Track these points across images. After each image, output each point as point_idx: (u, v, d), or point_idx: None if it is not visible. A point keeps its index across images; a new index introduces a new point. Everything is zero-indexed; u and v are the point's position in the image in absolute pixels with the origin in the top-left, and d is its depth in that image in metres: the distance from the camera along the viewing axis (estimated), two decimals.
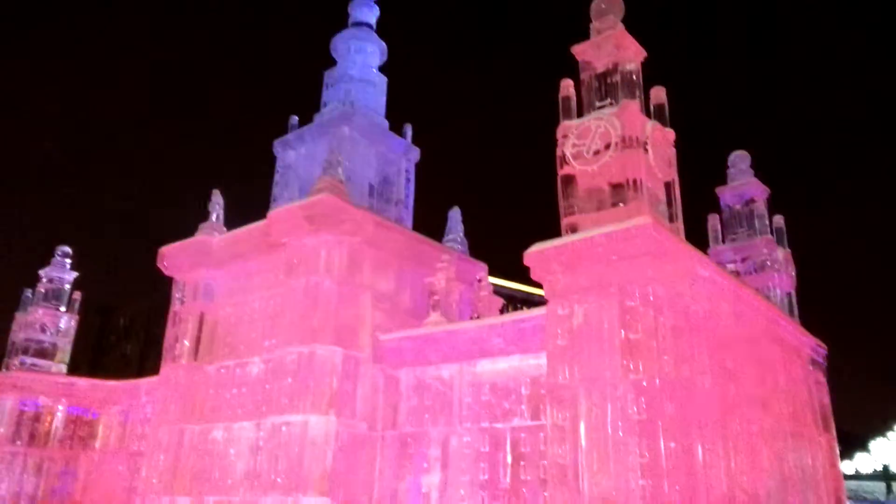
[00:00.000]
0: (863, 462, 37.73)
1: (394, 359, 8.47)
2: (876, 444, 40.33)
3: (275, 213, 8.70)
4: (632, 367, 4.85)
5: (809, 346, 7.48)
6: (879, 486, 31.89)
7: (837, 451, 7.48)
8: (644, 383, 4.76)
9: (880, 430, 39.90)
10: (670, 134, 5.94)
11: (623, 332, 4.94)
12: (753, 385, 6.01)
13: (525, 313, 7.38)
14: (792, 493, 6.09)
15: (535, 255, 5.63)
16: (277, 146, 10.85)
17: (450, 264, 8.96)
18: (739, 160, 8.68)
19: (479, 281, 9.49)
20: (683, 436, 4.82)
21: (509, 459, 7.33)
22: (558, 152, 5.93)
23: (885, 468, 37.79)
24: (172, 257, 9.98)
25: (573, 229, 5.61)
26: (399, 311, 8.99)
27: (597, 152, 5.59)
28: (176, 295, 9.99)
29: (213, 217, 10.16)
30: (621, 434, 4.80)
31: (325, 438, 7.70)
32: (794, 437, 6.45)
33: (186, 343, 9.32)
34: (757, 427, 5.83)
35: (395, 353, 8.46)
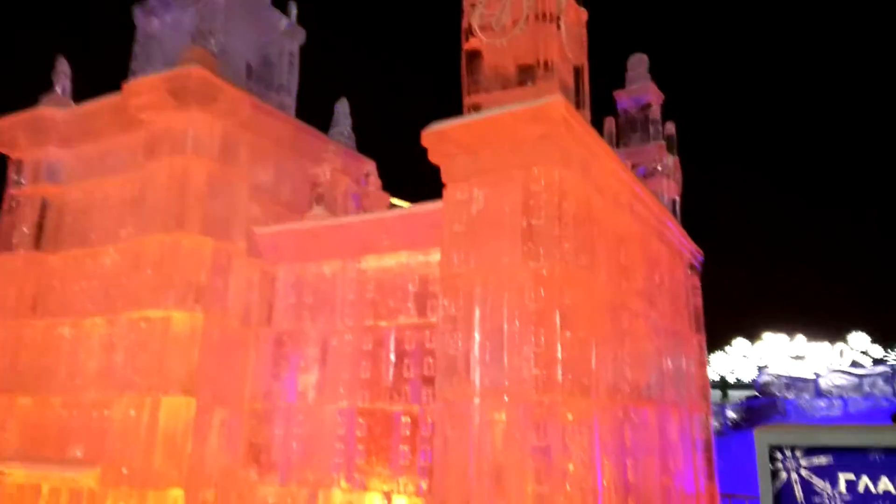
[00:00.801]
0: None
1: (271, 254, 7.82)
2: (715, 357, 44.81)
3: (132, 84, 7.55)
4: (532, 254, 4.54)
5: (689, 250, 7.63)
6: (716, 393, 35.49)
7: (706, 353, 7.80)
8: (543, 272, 4.49)
9: (719, 345, 44.28)
10: (584, 14, 5.57)
11: (525, 218, 4.61)
12: (642, 281, 5.98)
13: (415, 208, 6.95)
14: (668, 388, 6.24)
15: (434, 135, 5.16)
16: (138, 12, 9.43)
17: (336, 156, 8.31)
18: (637, 63, 8.55)
19: (367, 177, 8.92)
20: (578, 326, 4.64)
21: (392, 358, 7.06)
22: (464, 23, 5.39)
23: (723, 378, 42.29)
24: (7, 132, 8.58)
25: (476, 108, 5.18)
26: (278, 204, 8.27)
27: (507, 25, 5.12)
28: (13, 176, 8.66)
29: (59, 89, 8.79)
30: (517, 323, 4.55)
31: (190, 336, 7.02)
32: (673, 334, 6.58)
33: (25, 230, 8.14)
34: (643, 322, 5.84)
35: (273, 248, 7.81)
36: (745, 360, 45.24)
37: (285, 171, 8.38)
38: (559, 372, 4.44)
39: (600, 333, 4.92)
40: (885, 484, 2.92)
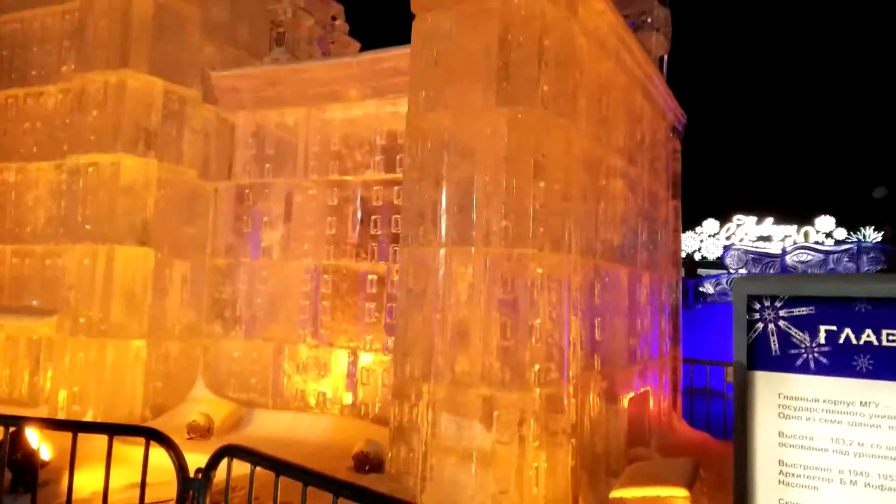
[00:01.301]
0: None
1: (229, 100, 7.24)
2: (685, 236, 45.49)
3: None
4: (506, 96, 4.11)
5: (673, 112, 7.21)
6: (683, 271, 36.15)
7: (680, 219, 7.58)
8: (519, 116, 4.07)
9: (690, 225, 44.84)
10: None
11: (501, 56, 4.13)
12: (623, 138, 5.60)
13: (384, 51, 6.35)
14: (641, 250, 6.04)
15: None
16: None
17: None
18: None
19: (334, 20, 8.18)
20: (554, 178, 4.30)
21: (359, 214, 6.75)
22: None
23: (690, 255, 43.17)
24: None
25: None
26: (236, 46, 7.56)
27: None
28: None
29: None
30: (488, 171, 4.20)
31: (144, 184, 6.60)
32: (650, 196, 6.31)
33: None
34: (621, 181, 5.52)
35: (231, 93, 7.21)
36: (713, 239, 45.98)
37: (242, 8, 7.61)
38: (531, 224, 4.15)
39: (576, 188, 4.60)
40: (867, 335, 2.71)
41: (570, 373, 4.50)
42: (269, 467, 3.09)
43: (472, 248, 4.21)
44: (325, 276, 6.76)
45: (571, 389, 4.53)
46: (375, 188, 6.59)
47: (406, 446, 4.32)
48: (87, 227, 6.52)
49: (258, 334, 6.96)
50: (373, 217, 6.61)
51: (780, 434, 2.97)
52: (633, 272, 5.91)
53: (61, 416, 6.30)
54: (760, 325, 2.98)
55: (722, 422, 8.04)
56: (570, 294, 4.57)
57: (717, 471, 5.70)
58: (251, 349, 6.98)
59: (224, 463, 3.35)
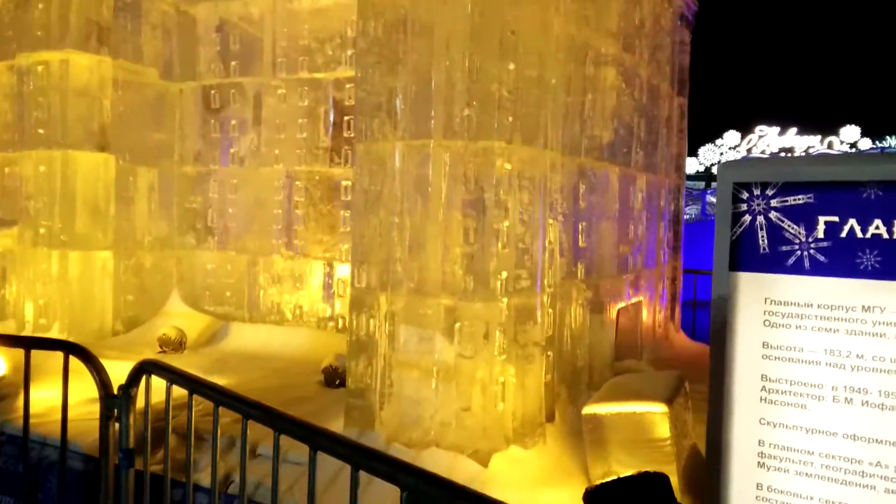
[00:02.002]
0: (690, 165, 41.47)
1: None
2: (704, 149, 44.21)
3: None
4: None
5: None
6: (701, 184, 35.36)
7: (686, 119, 6.93)
8: None
9: (710, 137, 43.45)
10: None
11: None
12: (617, 20, 4.93)
13: None
14: (637, 150, 5.47)
15: None
16: None
17: None
18: None
19: None
20: (527, 62, 3.74)
21: (332, 116, 6.21)
22: None
23: (708, 169, 42.05)
24: None
25: None
26: None
27: None
28: None
29: None
30: (450, 52, 3.62)
31: (99, 84, 6.07)
32: (650, 91, 5.67)
33: None
34: (614, 70, 4.89)
35: None
36: (734, 152, 44.63)
37: None
38: (496, 113, 3.60)
39: (556, 75, 4.01)
40: (876, 227, 2.20)
41: (545, 281, 4.07)
42: (184, 385, 2.73)
43: (431, 142, 3.69)
44: (298, 182, 6.31)
45: (547, 299, 4.11)
46: (348, 86, 6.01)
47: (365, 361, 3.96)
48: (41, 131, 6.07)
49: (232, 246, 6.60)
50: (346, 118, 6.07)
51: (765, 345, 2.51)
52: (627, 174, 5.36)
53: (27, 330, 6.05)
54: (748, 217, 2.47)
55: None
56: (548, 195, 4.07)
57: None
58: (225, 261, 6.63)
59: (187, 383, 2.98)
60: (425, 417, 3.75)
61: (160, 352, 5.97)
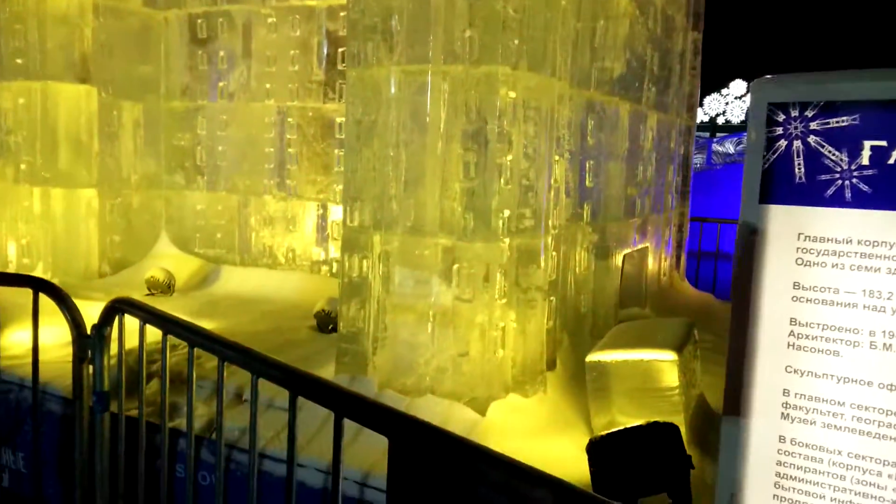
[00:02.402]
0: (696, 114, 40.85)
1: None
2: (710, 99, 43.36)
3: None
4: None
5: None
6: (706, 133, 34.77)
7: (700, 56, 6.56)
8: None
9: (715, 87, 42.57)
10: None
11: None
12: None
13: None
14: (648, 85, 5.14)
15: None
16: None
17: None
18: None
19: None
20: None
21: (326, 48, 5.85)
22: None
23: (713, 119, 41.39)
24: None
25: None
26: None
27: None
28: None
29: None
30: None
31: (78, 11, 5.66)
32: (665, 20, 5.30)
33: None
34: (628, 2, 4.53)
35: None
36: (739, 102, 43.81)
37: None
38: (501, 34, 3.29)
39: (563, 4, 3.66)
40: None
41: (550, 222, 3.81)
42: (157, 325, 2.50)
43: (430, 67, 3.38)
44: (290, 119, 5.99)
45: (551, 241, 3.86)
46: (342, 14, 5.62)
47: (357, 304, 3.75)
48: (19, 61, 5.71)
49: (222, 186, 6.33)
50: (340, 50, 5.71)
51: (796, 285, 2.25)
52: (637, 111, 5.05)
53: (11, 269, 5.83)
54: (783, 142, 2.19)
55: (729, 286, 7.45)
56: (554, 129, 3.78)
57: (718, 333, 5.16)
58: (215, 202, 6.37)
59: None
60: (420, 363, 3.56)
61: (148, 294, 5.77)
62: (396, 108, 3.50)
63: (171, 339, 2.67)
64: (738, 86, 42.47)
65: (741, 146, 14.63)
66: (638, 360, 3.37)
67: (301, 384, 2.15)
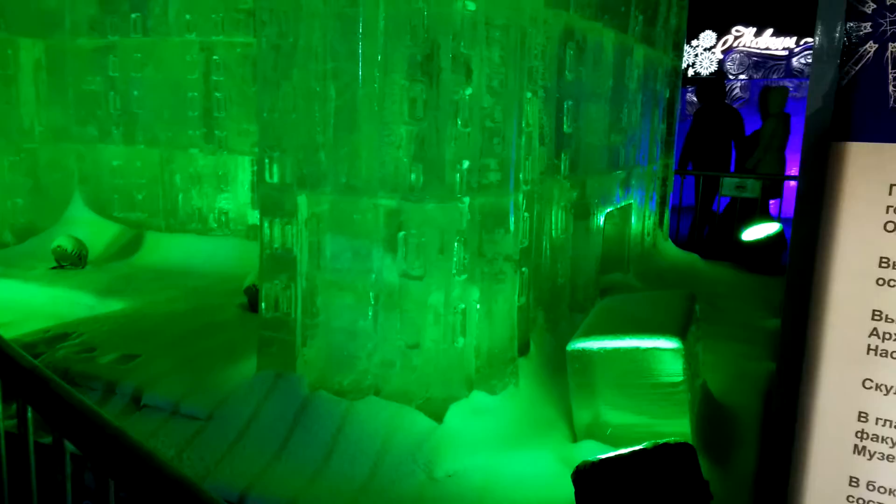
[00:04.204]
0: None
1: None
2: None
3: None
4: None
5: None
6: None
7: None
8: None
9: (686, 38, 41.74)
10: None
11: None
12: None
13: None
14: (635, 11, 4.33)
15: None
16: None
17: None
18: None
19: None
20: None
21: None
22: None
23: (682, 72, 40.70)
24: None
25: None
26: None
27: None
28: None
29: None
30: None
31: None
32: None
33: None
34: None
35: None
36: (709, 53, 42.95)
37: None
38: None
39: None
40: None
41: (521, 175, 3.08)
42: None
43: None
44: (216, 57, 5.07)
45: (522, 200, 3.13)
46: None
47: (282, 282, 3.00)
48: None
49: (141, 138, 5.42)
50: None
51: (884, 262, 1.51)
52: (623, 43, 4.25)
53: None
54: (871, 47, 1.40)
55: (711, 244, 6.89)
56: (526, 57, 2.98)
57: (707, 300, 4.54)
58: (134, 157, 5.46)
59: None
60: (361, 357, 2.86)
61: (56, 267, 4.91)
62: (321, 28, 2.68)
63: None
64: (708, 37, 41.67)
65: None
66: (632, 349, 2.68)
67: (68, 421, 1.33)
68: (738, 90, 14.51)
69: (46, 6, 5.39)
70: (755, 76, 15.37)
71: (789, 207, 7.25)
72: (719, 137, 7.18)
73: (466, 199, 2.70)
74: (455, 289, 2.73)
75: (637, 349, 2.66)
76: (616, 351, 2.69)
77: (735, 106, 9.84)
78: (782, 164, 7.17)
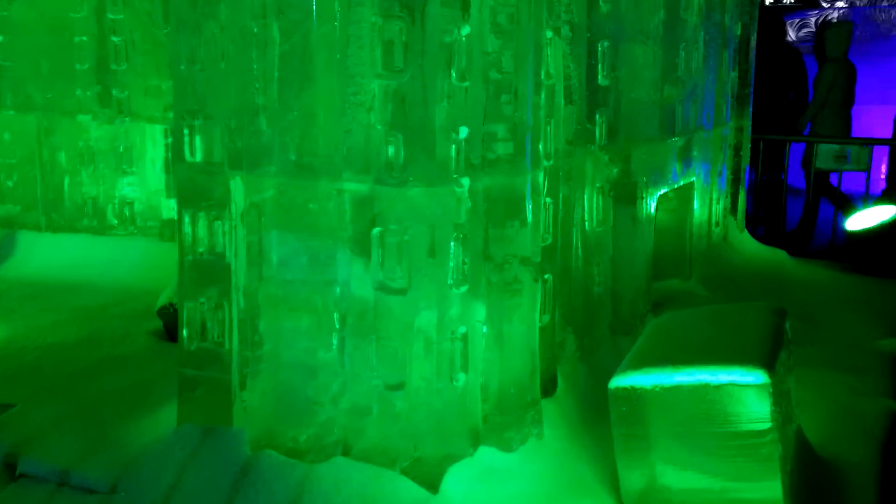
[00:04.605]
0: None
1: None
2: None
3: None
4: None
5: None
6: None
7: None
8: None
9: None
10: None
11: None
12: None
13: None
14: None
15: None
16: None
17: None
18: None
19: None
20: None
21: None
22: None
23: None
24: None
25: None
26: None
27: None
28: None
29: None
30: None
31: None
32: None
33: None
34: None
35: None
36: None
37: None
38: None
39: None
40: None
41: (542, 146, 3.15)
42: None
43: None
44: None
45: (544, 179, 3.19)
46: None
47: (211, 299, 3.09)
48: None
49: (10, 101, 5.53)
50: None
51: None
52: None
53: None
54: None
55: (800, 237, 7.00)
56: None
57: (801, 314, 4.59)
58: (1, 127, 5.55)
59: None
60: (323, 402, 2.90)
61: None
62: None
63: None
64: None
65: (806, 29, 13.91)
66: (699, 386, 2.76)
67: None
68: (833, 18, 14.56)
69: None
70: (859, 2, 15.27)
71: (855, 182, 7.21)
72: (778, 90, 7.32)
73: (465, 181, 2.74)
74: (452, 306, 2.77)
75: (707, 385, 2.72)
76: (677, 388, 2.75)
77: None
78: (846, 123, 7.28)
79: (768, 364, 2.72)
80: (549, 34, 3.19)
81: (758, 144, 6.77)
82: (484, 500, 2.75)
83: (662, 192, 4.55)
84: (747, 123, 6.31)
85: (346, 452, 2.84)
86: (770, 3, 16.30)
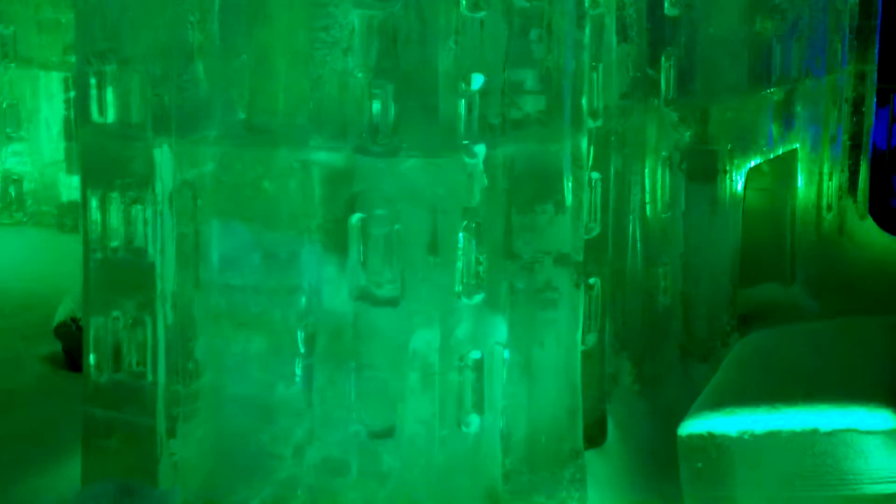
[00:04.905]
0: None
1: None
2: None
3: None
4: None
5: None
6: None
7: None
8: None
9: None
10: None
11: None
12: None
13: None
14: None
15: None
16: None
17: None
18: None
19: None
20: None
21: None
22: None
23: None
24: None
25: None
26: None
27: None
28: None
29: None
30: None
31: None
32: None
33: None
34: None
35: None
36: None
37: None
38: None
39: None
40: None
41: (587, 101, 3.24)
42: None
43: None
44: None
45: (589, 147, 3.26)
46: None
47: (128, 311, 3.16)
48: None
49: None
50: None
51: None
52: None
53: None
54: None
55: None
56: None
57: None
58: None
59: None
60: (283, 454, 3.01)
61: None
62: None
63: None
64: None
65: None
66: (805, 433, 2.86)
67: None
68: None
69: None
70: None
71: None
72: None
73: (480, 149, 2.82)
74: (461, 322, 2.88)
75: (815, 432, 2.81)
76: (774, 436, 2.86)
77: None
78: None
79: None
80: None
81: (887, 96, 6.88)
82: None
83: (753, 163, 4.65)
84: (872, 68, 6.39)
85: None
86: None
